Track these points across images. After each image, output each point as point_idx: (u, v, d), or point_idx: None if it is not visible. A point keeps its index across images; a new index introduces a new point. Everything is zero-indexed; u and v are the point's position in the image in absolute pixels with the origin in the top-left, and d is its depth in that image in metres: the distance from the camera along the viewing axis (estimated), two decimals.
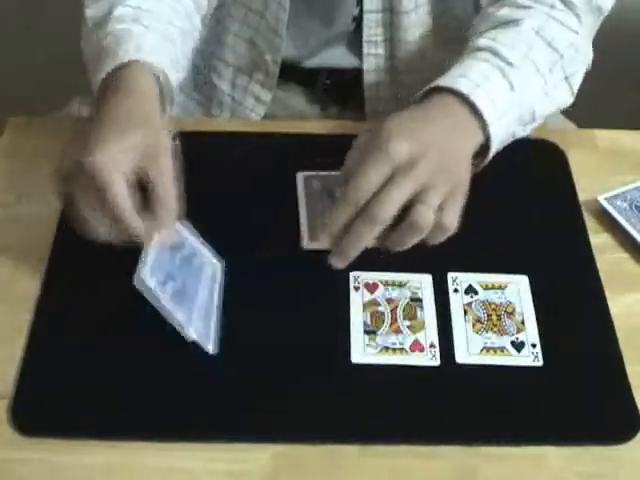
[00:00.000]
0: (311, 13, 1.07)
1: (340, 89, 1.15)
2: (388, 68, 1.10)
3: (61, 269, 0.88)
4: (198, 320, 0.81)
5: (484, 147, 0.87)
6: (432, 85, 0.87)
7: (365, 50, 1.09)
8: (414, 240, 0.80)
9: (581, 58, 0.96)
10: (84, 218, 0.79)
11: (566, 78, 0.94)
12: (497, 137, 0.87)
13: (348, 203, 0.79)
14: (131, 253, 0.89)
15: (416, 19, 1.06)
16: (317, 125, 1.06)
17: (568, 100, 0.96)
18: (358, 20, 1.07)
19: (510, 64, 0.89)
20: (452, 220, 0.81)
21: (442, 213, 0.80)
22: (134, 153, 0.78)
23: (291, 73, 1.12)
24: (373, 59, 1.09)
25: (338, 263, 0.82)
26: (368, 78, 1.10)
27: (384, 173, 0.78)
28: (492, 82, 0.87)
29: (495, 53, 0.90)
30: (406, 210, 0.79)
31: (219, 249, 0.88)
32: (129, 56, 0.84)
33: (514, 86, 0.88)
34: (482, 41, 0.92)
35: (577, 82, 0.96)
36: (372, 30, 1.07)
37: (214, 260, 0.87)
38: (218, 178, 0.95)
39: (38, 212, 0.93)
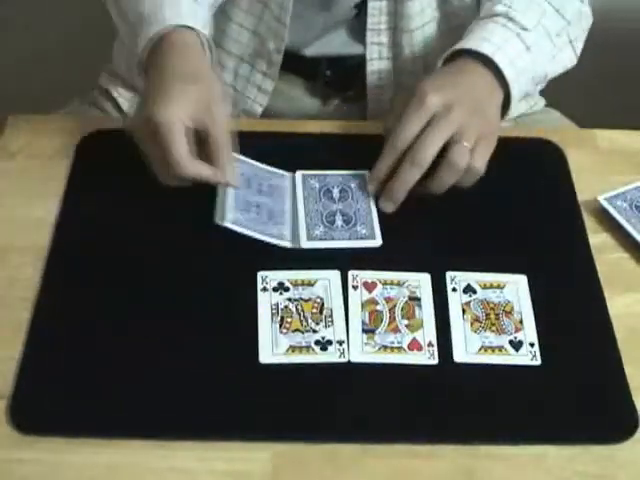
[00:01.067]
0: (313, 0, 1.07)
1: (341, 80, 1.15)
2: (391, 57, 1.11)
3: (61, 269, 0.88)
4: (287, 230, 0.90)
5: (503, 106, 0.97)
6: (457, 47, 0.96)
7: (368, 39, 1.09)
8: (452, 180, 0.90)
9: (584, 24, 1.06)
10: (150, 163, 0.89)
11: (570, 42, 1.04)
12: (515, 96, 0.96)
13: (393, 149, 0.90)
14: (131, 254, 0.90)
15: (420, 7, 1.07)
16: (317, 125, 1.06)
17: (572, 62, 1.06)
18: (359, 7, 1.08)
19: (525, 29, 0.98)
20: (482, 164, 0.90)
21: (473, 156, 0.90)
22: (190, 106, 0.86)
23: (292, 63, 1.12)
24: (376, 47, 1.10)
25: (388, 207, 0.92)
26: (371, 67, 1.11)
27: (423, 120, 0.89)
28: (511, 45, 0.96)
29: (511, 19, 0.98)
30: (443, 155, 0.89)
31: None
32: (171, 21, 0.91)
33: (530, 49, 0.97)
34: (498, 7, 1.00)
35: (580, 46, 1.05)
36: (376, 18, 1.08)
37: (283, 173, 0.95)
38: None
39: (38, 212, 0.93)
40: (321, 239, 0.90)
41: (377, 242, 0.90)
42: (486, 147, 0.91)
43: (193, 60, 0.91)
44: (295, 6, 1.06)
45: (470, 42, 0.96)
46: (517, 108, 1.03)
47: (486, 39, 0.96)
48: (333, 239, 0.90)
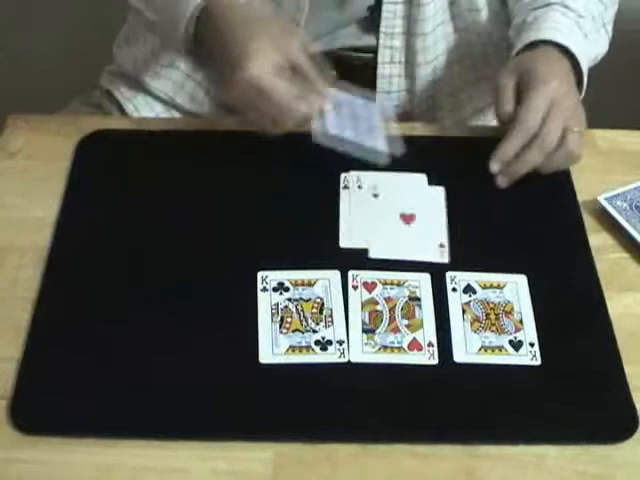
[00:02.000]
0: (326, 1, 1.07)
1: (348, 79, 1.14)
2: (403, 61, 1.11)
3: (61, 269, 0.88)
4: (382, 142, 0.94)
5: None
6: (533, 39, 1.00)
7: (381, 42, 1.09)
8: (566, 165, 0.97)
9: (615, 8, 1.11)
10: (256, 124, 0.92)
11: (604, 25, 1.08)
12: (585, 81, 1.01)
13: (523, 133, 0.93)
14: (131, 253, 0.90)
15: (434, 10, 1.07)
16: None
17: (607, 45, 1.10)
18: (372, 9, 1.08)
19: (580, 16, 1.03)
20: (581, 148, 0.95)
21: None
22: (271, 52, 0.90)
23: None
24: (388, 51, 1.10)
25: (504, 183, 0.95)
26: (382, 70, 1.11)
27: (548, 107, 0.93)
28: (575, 33, 1.01)
29: (566, 7, 1.03)
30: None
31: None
32: None
33: (587, 36, 1.03)
34: None
35: (610, 29, 1.10)
36: (390, 22, 1.08)
37: (369, 102, 0.98)
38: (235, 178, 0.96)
39: (38, 212, 0.93)
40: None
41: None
42: (582, 132, 0.95)
43: (244, 8, 0.95)
44: (309, 6, 1.05)
45: (543, 32, 1.00)
46: None
47: (557, 29, 1.00)
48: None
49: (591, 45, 1.05)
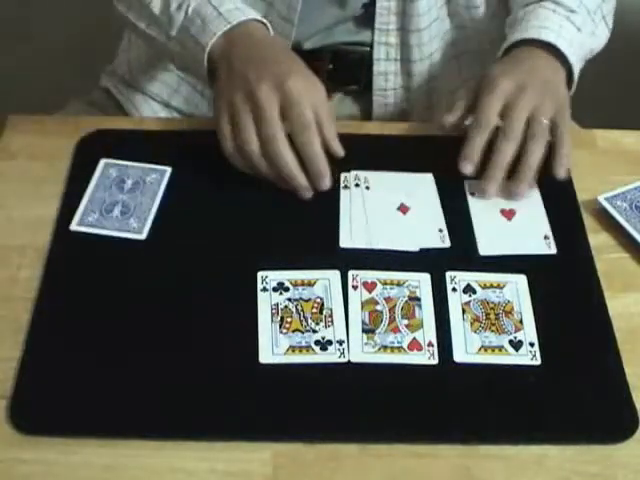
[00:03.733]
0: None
1: (344, 74, 1.15)
2: (399, 58, 1.11)
3: (61, 269, 0.88)
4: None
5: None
6: (518, 38, 1.00)
7: (376, 39, 1.09)
8: (541, 147, 0.94)
9: (614, 1, 1.10)
10: (246, 150, 0.91)
11: (604, 17, 1.08)
12: (576, 74, 1.01)
13: (479, 129, 0.94)
14: (130, 253, 0.89)
15: (427, 6, 1.07)
16: None
17: (606, 37, 1.10)
18: (367, 6, 1.08)
19: (572, 11, 1.03)
20: (564, 131, 0.95)
21: (557, 128, 0.94)
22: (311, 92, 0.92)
23: None
24: (384, 48, 1.10)
25: (490, 187, 0.94)
26: (378, 67, 1.11)
27: (499, 102, 0.94)
28: (565, 30, 1.01)
29: (558, 3, 1.03)
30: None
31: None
32: (237, 17, 0.96)
33: (580, 30, 1.03)
34: None
35: (610, 21, 1.09)
36: (384, 18, 1.08)
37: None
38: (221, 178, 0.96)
39: (38, 212, 0.93)
40: (93, 225, 0.91)
41: (142, 236, 0.91)
42: (563, 119, 0.95)
43: (278, 42, 0.98)
44: (303, 5, 1.05)
45: (530, 31, 1.00)
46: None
47: (544, 27, 1.00)
48: (104, 227, 0.91)
49: (586, 38, 1.04)
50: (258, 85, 0.90)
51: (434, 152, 1.00)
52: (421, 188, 0.96)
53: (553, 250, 0.91)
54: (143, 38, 1.04)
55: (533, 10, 1.03)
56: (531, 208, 0.95)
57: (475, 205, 0.95)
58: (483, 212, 0.95)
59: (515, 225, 0.94)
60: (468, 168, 0.94)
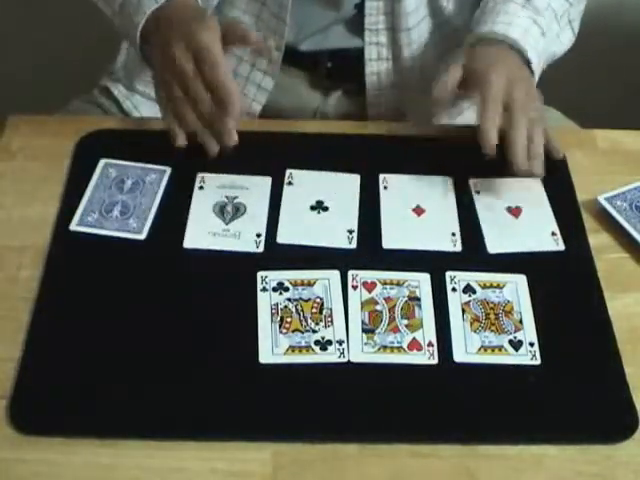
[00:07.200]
0: None
1: (342, 71, 1.15)
2: (390, 57, 1.11)
3: (61, 269, 0.88)
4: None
5: None
6: (486, 30, 1.01)
7: (367, 39, 1.09)
8: (540, 131, 0.95)
9: (581, 6, 1.11)
10: (179, 110, 0.92)
11: (570, 22, 1.09)
12: (536, 76, 1.02)
13: (495, 102, 0.94)
14: (130, 253, 0.90)
15: (415, 5, 1.08)
16: (316, 125, 1.05)
17: (571, 42, 1.11)
18: (359, 7, 1.08)
19: (539, 12, 1.04)
20: (541, 116, 0.96)
21: (539, 121, 0.95)
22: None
23: (292, 57, 1.12)
24: (375, 48, 1.10)
25: (519, 160, 0.93)
26: (370, 68, 1.11)
27: (501, 93, 0.94)
28: (531, 34, 1.02)
29: (527, 1, 1.04)
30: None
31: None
32: None
33: (544, 34, 1.03)
34: None
35: (577, 26, 1.11)
36: (373, 18, 1.08)
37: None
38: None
39: (38, 212, 0.93)
40: (92, 225, 0.91)
41: (142, 236, 0.91)
42: (540, 120, 0.96)
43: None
44: (294, 3, 1.06)
45: (498, 26, 1.01)
46: None
47: (511, 23, 1.01)
48: (103, 228, 0.91)
49: (550, 42, 1.05)
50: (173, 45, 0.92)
51: (435, 152, 1.00)
52: (438, 191, 0.97)
53: (561, 247, 0.91)
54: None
55: (503, 3, 1.04)
56: (537, 205, 0.95)
57: (481, 203, 0.95)
58: (489, 210, 0.95)
59: (522, 223, 0.94)
60: (490, 150, 0.92)
